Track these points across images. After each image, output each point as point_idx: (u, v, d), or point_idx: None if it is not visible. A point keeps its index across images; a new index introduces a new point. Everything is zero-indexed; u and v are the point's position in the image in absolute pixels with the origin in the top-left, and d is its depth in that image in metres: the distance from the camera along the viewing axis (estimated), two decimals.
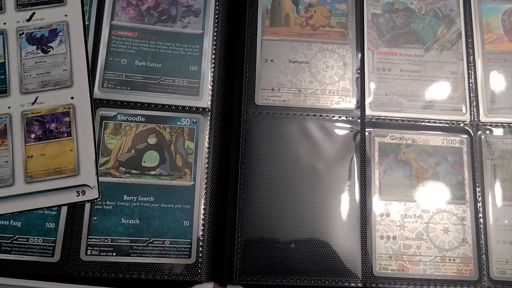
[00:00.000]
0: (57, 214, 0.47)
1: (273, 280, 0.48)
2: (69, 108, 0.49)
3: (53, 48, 0.50)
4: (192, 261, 0.48)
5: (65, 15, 0.51)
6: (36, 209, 0.47)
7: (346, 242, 0.49)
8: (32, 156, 0.48)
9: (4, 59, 0.50)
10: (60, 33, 0.51)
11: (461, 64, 0.54)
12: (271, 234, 0.49)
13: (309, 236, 0.49)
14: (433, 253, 0.49)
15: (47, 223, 0.47)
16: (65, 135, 0.48)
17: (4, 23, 0.50)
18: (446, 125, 0.53)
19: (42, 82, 0.49)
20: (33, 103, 0.49)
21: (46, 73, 0.49)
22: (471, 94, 0.54)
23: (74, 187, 0.47)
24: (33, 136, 0.48)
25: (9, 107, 0.48)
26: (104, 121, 0.50)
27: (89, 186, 0.47)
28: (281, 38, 0.54)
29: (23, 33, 0.50)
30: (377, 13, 0.55)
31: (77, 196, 0.47)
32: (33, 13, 0.51)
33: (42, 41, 0.50)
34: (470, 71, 0.54)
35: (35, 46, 0.50)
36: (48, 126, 0.49)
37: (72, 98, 0.49)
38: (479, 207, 0.50)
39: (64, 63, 0.50)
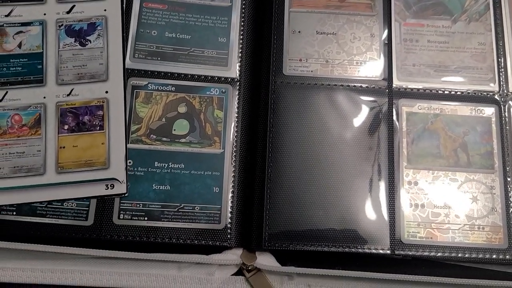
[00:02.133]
0: None
1: (301, 246, 0.48)
2: (103, 102, 0.50)
3: (90, 42, 0.51)
4: (222, 226, 0.48)
5: (105, 10, 0.52)
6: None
7: (374, 210, 0.49)
8: (64, 147, 0.49)
9: (42, 49, 0.51)
10: (99, 27, 0.52)
11: (489, 35, 0.54)
12: (299, 201, 0.49)
13: (337, 204, 0.49)
14: (462, 221, 0.49)
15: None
16: (98, 128, 0.49)
17: (44, 14, 0.51)
18: (475, 95, 0.53)
19: (78, 74, 0.50)
20: (68, 95, 0.50)
21: (83, 65, 0.50)
22: (500, 65, 0.53)
23: (104, 180, 0.48)
24: (66, 127, 0.49)
25: (44, 97, 0.49)
26: (135, 90, 0.51)
27: (118, 180, 0.48)
28: (308, 10, 0.54)
29: (62, 25, 0.51)
30: None
31: (105, 189, 0.48)
32: (73, 6, 0.52)
33: (80, 34, 0.51)
34: (498, 42, 0.54)
35: (73, 38, 0.51)
36: (82, 119, 0.49)
37: (106, 92, 0.50)
38: (509, 176, 0.50)
39: (100, 57, 0.51)
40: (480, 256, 0.48)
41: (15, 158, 0.48)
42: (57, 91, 0.50)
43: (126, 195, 0.48)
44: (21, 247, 0.45)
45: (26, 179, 0.48)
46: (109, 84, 0.50)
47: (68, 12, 0.52)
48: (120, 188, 0.48)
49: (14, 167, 0.48)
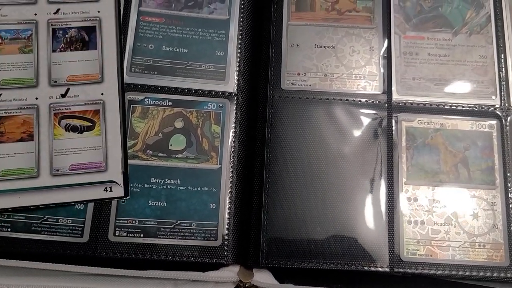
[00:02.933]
0: None
1: (299, 264, 0.47)
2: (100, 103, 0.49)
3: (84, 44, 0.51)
4: (218, 243, 0.48)
5: (98, 12, 0.51)
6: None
7: (373, 226, 0.48)
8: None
9: (34, 50, 0.50)
10: (92, 29, 0.51)
11: (490, 48, 0.53)
12: (298, 218, 0.48)
13: (336, 220, 0.48)
14: (462, 238, 0.48)
15: (76, 204, 0.48)
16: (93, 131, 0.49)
17: (35, 14, 0.51)
18: (475, 109, 0.52)
19: (72, 75, 0.50)
20: (62, 96, 0.49)
21: (77, 66, 0.50)
22: (501, 78, 0.53)
23: (102, 183, 0.48)
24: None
25: (36, 98, 0.49)
26: (132, 105, 0.50)
27: (117, 183, 0.48)
28: (307, 23, 0.54)
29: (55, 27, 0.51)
30: None
31: (104, 191, 0.48)
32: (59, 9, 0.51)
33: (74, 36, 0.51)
34: (500, 55, 0.53)
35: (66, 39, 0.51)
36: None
37: (102, 94, 0.49)
38: (510, 192, 0.49)
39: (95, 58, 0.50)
40: (481, 274, 0.47)
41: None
42: (51, 93, 0.49)
43: (127, 198, 0.48)
44: (16, 265, 0.45)
45: (18, 182, 0.47)
46: (104, 86, 0.49)
47: (55, 13, 0.51)
48: (119, 191, 0.48)
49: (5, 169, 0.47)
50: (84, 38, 0.50)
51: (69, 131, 0.48)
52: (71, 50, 0.50)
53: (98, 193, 0.48)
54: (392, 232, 0.48)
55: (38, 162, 0.48)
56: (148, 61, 0.52)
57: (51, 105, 0.49)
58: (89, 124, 0.49)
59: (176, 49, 0.52)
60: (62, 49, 0.50)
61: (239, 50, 0.53)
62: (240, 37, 0.53)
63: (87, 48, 0.50)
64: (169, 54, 0.52)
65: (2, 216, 0.47)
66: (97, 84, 0.49)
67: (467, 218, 0.49)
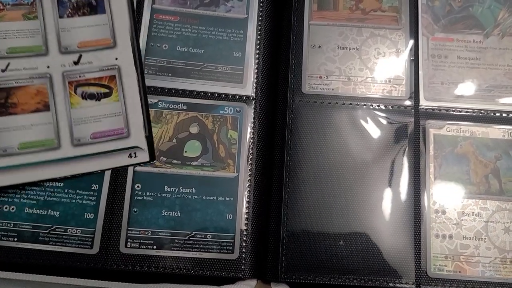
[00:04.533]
0: (96, 204, 0.46)
1: (320, 279, 0.45)
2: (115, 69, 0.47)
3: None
4: (235, 256, 0.45)
5: None
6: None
7: (398, 240, 0.46)
8: None
9: (40, 16, 0.48)
10: None
11: None
12: (319, 230, 0.46)
13: (359, 233, 0.46)
14: (493, 254, 0.46)
15: (86, 214, 0.45)
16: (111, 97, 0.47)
17: None
18: (508, 116, 0.49)
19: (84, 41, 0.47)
20: (75, 63, 0.47)
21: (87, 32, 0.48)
22: None
23: (125, 149, 0.46)
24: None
25: (48, 67, 0.47)
26: None
27: (141, 148, 0.46)
28: (330, 22, 0.51)
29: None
30: None
31: (129, 158, 0.46)
32: None
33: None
34: None
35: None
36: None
37: (116, 59, 0.47)
38: None
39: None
40: None
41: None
42: (62, 60, 0.47)
43: (153, 162, 0.46)
44: (22, 278, 0.43)
45: (39, 154, 0.45)
46: (118, 50, 0.47)
47: None
48: (144, 156, 0.46)
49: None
50: (91, 2, 0.48)
51: (86, 99, 0.47)
52: (79, 16, 0.48)
53: (123, 160, 0.46)
54: (419, 247, 0.46)
55: (58, 132, 0.46)
56: (162, 62, 0.49)
57: (65, 73, 0.47)
58: (106, 90, 0.47)
59: (191, 49, 0.50)
60: (69, 14, 0.48)
61: (257, 51, 0.50)
62: (258, 37, 0.51)
63: (95, 13, 0.48)
64: (184, 54, 0.49)
65: (8, 225, 0.45)
66: (110, 49, 0.47)
67: (498, 233, 0.46)
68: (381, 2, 0.52)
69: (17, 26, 0.47)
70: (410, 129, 0.49)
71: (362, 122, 0.48)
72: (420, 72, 0.50)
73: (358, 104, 0.49)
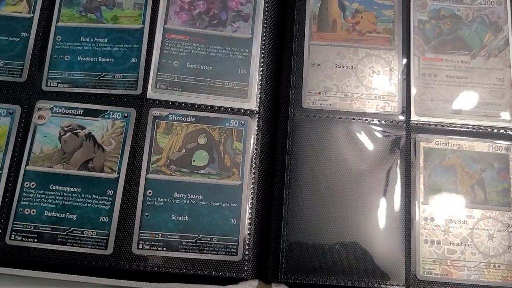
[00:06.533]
0: (111, 209, 0.49)
1: (317, 280, 0.48)
2: None
3: None
4: (239, 258, 0.49)
5: None
6: None
7: (390, 244, 0.49)
8: None
9: None
10: None
11: (508, 71, 0.54)
12: (316, 234, 0.49)
13: (354, 238, 0.49)
14: (478, 259, 0.49)
15: (101, 217, 0.49)
16: None
17: None
18: (493, 131, 0.53)
19: None
20: None
21: None
22: None
23: None
24: None
25: None
26: (156, 121, 0.51)
27: None
28: (328, 43, 0.55)
29: None
30: (424, 19, 0.56)
31: None
32: None
33: None
34: None
35: None
36: None
37: None
38: None
39: None
40: None
41: None
42: None
43: None
44: (41, 276, 0.46)
45: None
46: None
47: None
48: None
49: None
50: None
51: None
52: None
53: None
54: (409, 251, 0.49)
55: None
56: (173, 77, 0.53)
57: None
58: None
59: (200, 66, 0.53)
60: None
61: (261, 69, 0.54)
62: (262, 55, 0.54)
63: None
64: (193, 71, 0.53)
65: (29, 227, 0.49)
66: None
67: (483, 239, 0.50)
68: (376, 24, 0.55)
69: None
70: (402, 142, 0.52)
71: (358, 135, 0.52)
72: (412, 90, 0.54)
73: (354, 119, 0.53)
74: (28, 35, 0.54)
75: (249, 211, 0.50)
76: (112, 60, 0.53)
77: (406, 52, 0.55)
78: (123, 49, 0.53)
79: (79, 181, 0.50)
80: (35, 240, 0.48)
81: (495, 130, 0.53)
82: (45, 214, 0.49)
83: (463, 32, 0.56)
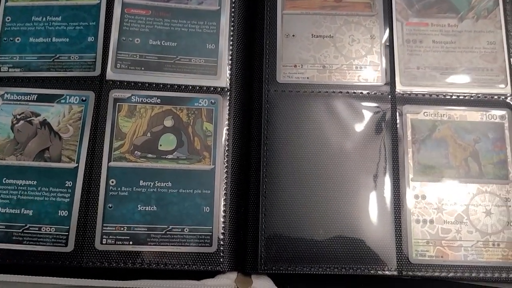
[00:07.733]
0: (70, 201, 0.45)
1: (301, 269, 0.44)
2: None
3: None
4: (214, 249, 0.45)
5: None
6: None
7: (379, 227, 0.45)
8: None
9: None
10: None
11: (499, 33, 0.50)
12: (298, 220, 0.45)
13: (339, 222, 0.45)
14: (475, 237, 0.45)
15: (59, 211, 0.45)
16: None
17: None
18: (485, 99, 0.49)
19: None
20: None
21: None
22: None
23: None
24: None
25: None
26: (117, 103, 0.47)
27: None
28: (303, 11, 0.51)
29: None
30: None
31: None
32: None
33: None
34: (509, 41, 0.50)
35: None
36: None
37: None
38: None
39: None
40: (496, 275, 0.44)
41: None
42: None
43: None
44: None
45: None
46: None
47: None
48: None
49: None
50: None
51: None
52: None
53: None
54: (400, 233, 0.45)
55: None
56: (134, 56, 0.48)
57: None
58: None
59: (164, 43, 0.49)
60: None
61: (231, 43, 0.50)
62: (232, 28, 0.50)
63: None
64: (157, 48, 0.49)
65: None
66: None
67: (480, 216, 0.46)
68: None
69: None
70: (388, 115, 0.48)
71: (339, 109, 0.48)
72: (396, 58, 0.50)
73: (334, 92, 0.48)
74: None
75: (223, 198, 0.46)
76: (67, 40, 0.49)
77: (388, 18, 0.51)
78: (79, 27, 0.49)
79: (35, 173, 0.45)
80: None
81: (488, 97, 0.49)
82: None
83: None
